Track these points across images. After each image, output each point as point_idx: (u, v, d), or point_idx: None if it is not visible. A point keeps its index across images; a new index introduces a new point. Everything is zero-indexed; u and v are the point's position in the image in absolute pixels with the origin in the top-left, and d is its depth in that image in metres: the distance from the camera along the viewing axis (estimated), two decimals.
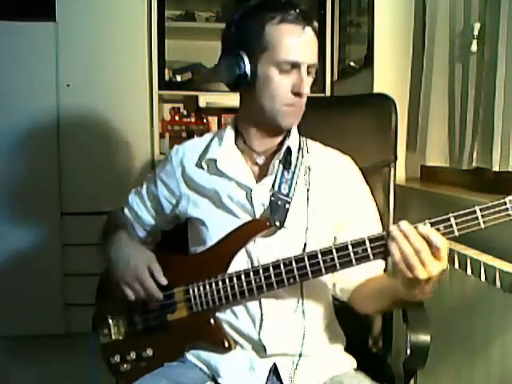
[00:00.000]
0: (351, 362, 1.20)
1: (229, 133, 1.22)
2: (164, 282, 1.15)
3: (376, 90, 2.16)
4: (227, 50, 1.15)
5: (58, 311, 2.77)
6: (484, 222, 0.95)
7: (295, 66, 1.09)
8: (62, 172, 2.75)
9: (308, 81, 1.11)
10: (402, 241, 0.92)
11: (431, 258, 0.91)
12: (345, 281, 1.18)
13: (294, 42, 1.08)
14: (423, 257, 0.91)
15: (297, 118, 1.15)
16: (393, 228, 0.94)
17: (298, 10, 1.09)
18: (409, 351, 1.13)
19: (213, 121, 3.04)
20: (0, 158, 2.68)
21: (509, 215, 0.95)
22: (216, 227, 1.17)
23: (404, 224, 0.93)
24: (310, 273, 1.05)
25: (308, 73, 1.12)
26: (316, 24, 1.12)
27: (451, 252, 1.50)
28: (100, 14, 2.71)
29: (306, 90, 1.10)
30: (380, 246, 0.99)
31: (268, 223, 1.12)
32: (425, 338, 1.13)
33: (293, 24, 1.08)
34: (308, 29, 1.10)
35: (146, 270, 1.14)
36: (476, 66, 1.67)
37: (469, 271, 1.41)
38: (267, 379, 1.11)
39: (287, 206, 1.13)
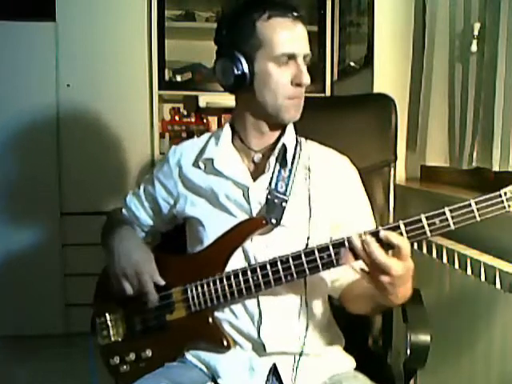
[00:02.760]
0: (351, 361, 1.20)
1: (226, 132, 1.22)
2: (161, 282, 1.15)
3: (376, 89, 2.16)
4: (221, 53, 1.15)
5: (58, 311, 2.77)
6: (480, 215, 0.95)
7: (292, 57, 1.11)
8: (62, 172, 2.76)
9: (306, 71, 1.13)
10: (361, 251, 0.95)
11: (393, 260, 0.94)
12: (336, 279, 1.18)
13: (287, 34, 1.10)
14: (382, 261, 0.94)
15: (298, 110, 1.16)
16: (354, 238, 0.97)
17: (284, 4, 1.11)
18: (409, 351, 1.13)
19: (213, 121, 3.04)
20: (0, 158, 2.68)
21: (504, 207, 0.94)
22: (213, 226, 1.16)
23: (363, 235, 0.97)
24: (307, 270, 1.04)
25: (305, 62, 1.13)
26: (303, 15, 1.14)
27: (451, 252, 1.51)
28: (100, 14, 2.71)
29: (307, 79, 1.12)
30: None
31: (264, 221, 1.12)
32: (425, 338, 1.13)
33: (282, 18, 1.10)
34: (297, 21, 1.12)
35: (146, 267, 1.14)
36: (476, 66, 1.67)
37: (469, 271, 1.41)
38: (267, 379, 1.11)
39: (284, 204, 1.13)
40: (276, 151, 1.17)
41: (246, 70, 1.11)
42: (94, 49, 2.72)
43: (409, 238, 0.98)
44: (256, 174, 1.19)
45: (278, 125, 1.18)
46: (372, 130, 1.52)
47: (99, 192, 2.71)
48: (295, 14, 1.11)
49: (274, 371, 1.11)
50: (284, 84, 1.11)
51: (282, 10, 1.10)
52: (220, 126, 3.01)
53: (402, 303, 1.04)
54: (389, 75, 2.17)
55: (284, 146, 1.18)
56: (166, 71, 2.84)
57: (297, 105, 1.15)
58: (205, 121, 3.03)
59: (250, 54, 1.11)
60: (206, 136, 1.28)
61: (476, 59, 1.67)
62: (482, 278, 1.35)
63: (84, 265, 2.57)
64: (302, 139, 1.24)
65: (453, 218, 0.96)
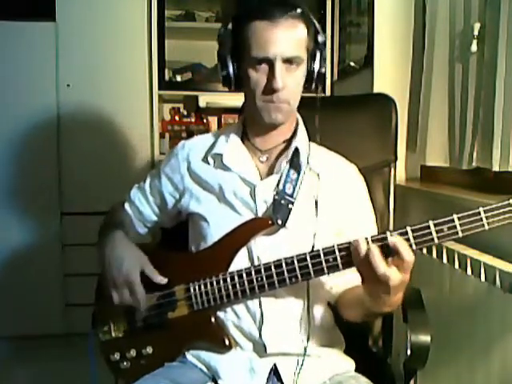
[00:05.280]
0: (351, 363, 1.20)
1: (236, 130, 1.23)
2: (162, 281, 1.15)
3: (376, 89, 2.16)
4: (219, 53, 1.16)
5: (58, 311, 2.77)
6: (488, 224, 0.96)
7: (267, 61, 1.09)
8: (62, 172, 2.75)
9: (284, 74, 1.08)
10: (363, 257, 0.96)
11: (392, 270, 0.94)
12: (333, 286, 1.17)
13: (263, 37, 1.07)
14: (382, 272, 0.94)
15: (280, 112, 1.13)
16: (360, 242, 0.97)
17: (271, 4, 1.07)
18: (409, 351, 1.13)
19: (213, 121, 3.04)
20: (0, 158, 2.68)
21: None
22: (217, 223, 1.17)
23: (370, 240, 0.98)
24: (312, 272, 1.05)
25: (290, 65, 1.09)
26: (299, 11, 1.08)
27: (451, 252, 1.51)
28: (100, 14, 2.71)
29: (278, 85, 1.07)
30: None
31: (270, 221, 1.12)
32: (425, 338, 1.13)
33: (264, 20, 1.07)
34: (282, 21, 1.06)
35: (138, 277, 1.13)
36: (476, 66, 1.67)
37: (469, 271, 1.41)
38: (267, 380, 1.11)
39: (290, 206, 1.13)
40: (289, 154, 1.17)
41: (231, 69, 1.14)
42: (93, 49, 2.72)
43: (416, 244, 0.98)
44: (265, 173, 1.19)
45: (266, 125, 1.17)
46: (372, 130, 1.52)
47: (99, 192, 2.70)
48: (283, 13, 1.06)
49: (274, 372, 1.11)
50: (259, 87, 1.10)
51: (264, 13, 1.07)
52: (220, 125, 3.01)
53: (390, 311, 1.05)
54: (389, 75, 2.17)
55: (297, 149, 1.18)
56: (166, 71, 2.84)
57: (275, 107, 1.12)
58: (205, 121, 3.03)
59: (237, 55, 1.13)
60: (215, 133, 1.29)
61: (476, 59, 1.67)
62: (482, 278, 1.35)
63: (84, 265, 2.56)
64: (314, 144, 1.24)
65: (461, 225, 0.96)
